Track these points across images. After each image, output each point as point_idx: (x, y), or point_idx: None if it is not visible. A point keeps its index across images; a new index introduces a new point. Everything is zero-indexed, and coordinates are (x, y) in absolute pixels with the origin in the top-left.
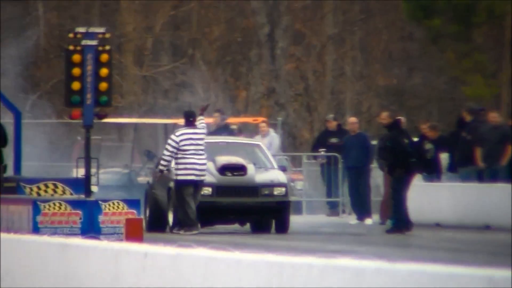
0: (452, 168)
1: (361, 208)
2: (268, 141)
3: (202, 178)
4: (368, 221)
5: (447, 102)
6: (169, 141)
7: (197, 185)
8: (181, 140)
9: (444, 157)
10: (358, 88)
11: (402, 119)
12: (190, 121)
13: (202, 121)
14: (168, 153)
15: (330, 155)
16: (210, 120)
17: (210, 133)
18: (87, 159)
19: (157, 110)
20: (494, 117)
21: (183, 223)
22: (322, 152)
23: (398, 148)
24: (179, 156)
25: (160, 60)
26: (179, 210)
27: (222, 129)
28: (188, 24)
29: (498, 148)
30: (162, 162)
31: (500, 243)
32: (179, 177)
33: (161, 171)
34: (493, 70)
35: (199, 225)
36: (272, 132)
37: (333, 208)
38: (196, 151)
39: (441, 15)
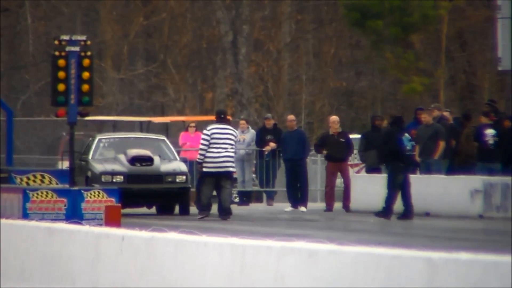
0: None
1: (299, 197)
2: (250, 137)
3: (223, 170)
4: (302, 209)
5: (390, 102)
6: (203, 136)
7: (220, 176)
8: (212, 134)
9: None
10: (311, 90)
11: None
12: (221, 118)
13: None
14: (202, 147)
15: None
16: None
17: None
18: (71, 153)
19: (133, 109)
20: (425, 117)
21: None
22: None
23: (394, 143)
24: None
25: (135, 65)
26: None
27: None
28: (159, 32)
29: (431, 144)
30: (198, 156)
31: (438, 228)
32: (203, 169)
33: (199, 163)
34: (430, 72)
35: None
36: (250, 129)
37: (270, 197)
38: (220, 145)
39: (379, 18)
